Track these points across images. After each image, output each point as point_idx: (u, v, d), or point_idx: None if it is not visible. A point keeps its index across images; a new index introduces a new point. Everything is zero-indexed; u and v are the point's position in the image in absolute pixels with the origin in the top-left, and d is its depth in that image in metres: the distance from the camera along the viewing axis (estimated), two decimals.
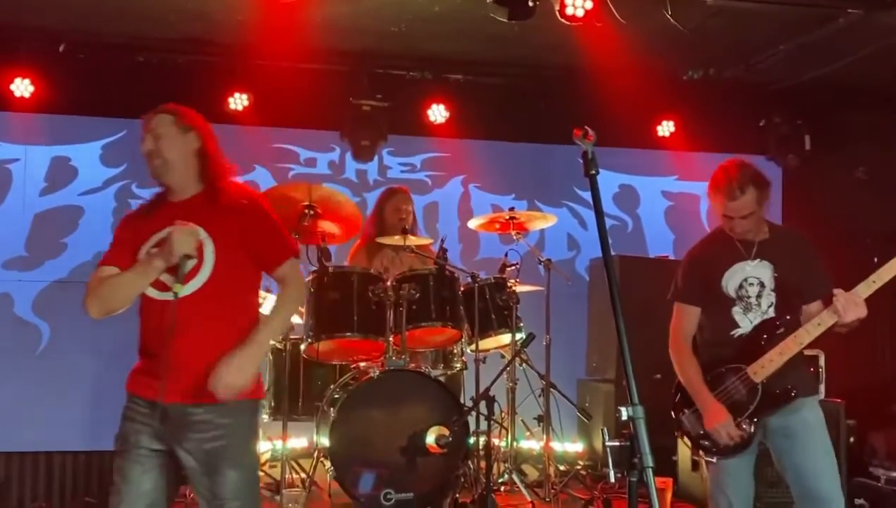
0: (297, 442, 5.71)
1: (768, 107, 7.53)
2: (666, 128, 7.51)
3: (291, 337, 5.19)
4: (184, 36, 6.31)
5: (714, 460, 3.50)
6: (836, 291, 3.28)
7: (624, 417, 2.01)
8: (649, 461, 2.01)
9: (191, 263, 2.89)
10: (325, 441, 4.66)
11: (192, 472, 2.93)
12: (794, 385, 3.43)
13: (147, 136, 3.05)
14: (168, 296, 2.92)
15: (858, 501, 5.40)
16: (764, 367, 3.41)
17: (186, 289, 2.92)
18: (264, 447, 5.66)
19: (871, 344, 7.03)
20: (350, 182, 7.36)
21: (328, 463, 4.63)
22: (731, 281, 3.53)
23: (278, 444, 5.15)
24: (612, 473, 2.07)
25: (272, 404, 5.37)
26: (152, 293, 2.97)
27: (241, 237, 3.01)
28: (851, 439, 5.33)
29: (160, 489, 2.94)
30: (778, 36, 6.26)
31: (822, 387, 5.45)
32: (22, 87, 6.45)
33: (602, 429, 2.10)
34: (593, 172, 2.27)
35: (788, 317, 3.45)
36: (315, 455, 4.97)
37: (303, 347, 4.97)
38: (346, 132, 7.24)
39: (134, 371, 3.04)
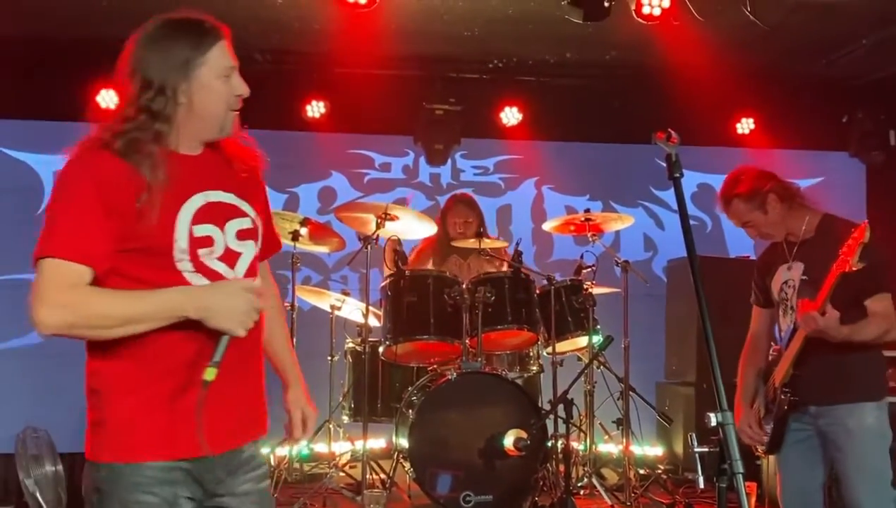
0: (376, 443, 5.78)
1: (851, 102, 7.35)
2: (745, 126, 7.38)
3: (370, 339, 5.25)
4: (263, 45, 6.45)
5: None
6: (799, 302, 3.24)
7: (713, 423, 1.98)
8: (740, 467, 1.97)
9: (225, 340, 2.03)
10: (404, 443, 4.71)
11: None
12: (804, 392, 3.28)
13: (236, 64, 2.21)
14: None
15: None
16: (780, 372, 3.34)
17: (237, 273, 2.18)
18: (344, 447, 5.76)
19: None
20: (424, 186, 7.42)
21: (408, 465, 4.68)
22: (775, 284, 3.49)
23: (359, 445, 5.21)
24: (700, 479, 2.05)
25: (352, 405, 5.45)
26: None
27: (265, 211, 2.33)
28: None
29: None
30: (859, 30, 6.12)
31: None
32: (107, 99, 6.67)
33: (690, 435, 2.07)
34: (677, 175, 2.24)
35: None
36: (394, 456, 5.02)
37: (381, 349, 5.03)
38: (420, 136, 7.32)
39: (142, 428, 2.04)
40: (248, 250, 2.19)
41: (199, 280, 2.08)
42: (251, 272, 2.19)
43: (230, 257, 2.14)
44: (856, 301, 3.21)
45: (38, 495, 4.95)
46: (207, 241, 2.11)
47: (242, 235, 2.18)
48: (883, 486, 3.25)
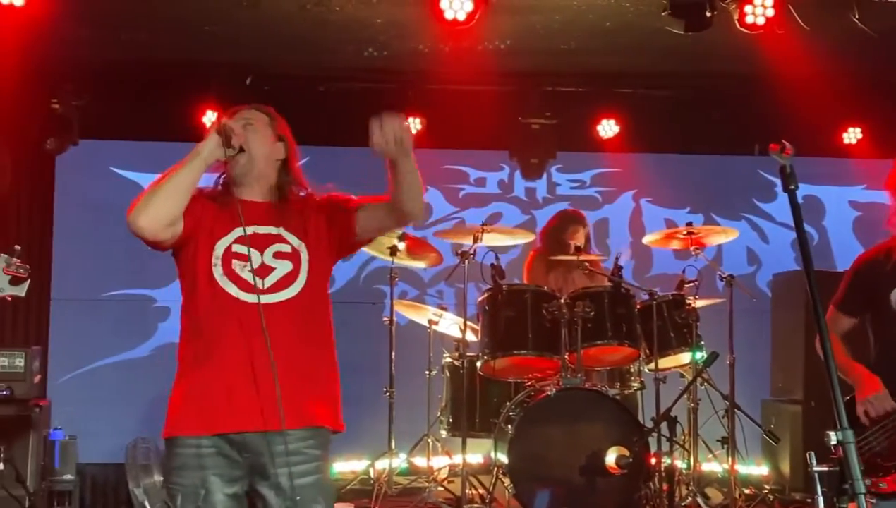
0: (473, 458, 5.78)
1: None
2: (853, 135, 7.13)
3: (468, 354, 5.26)
4: (361, 65, 6.56)
5: (874, 501, 3.11)
6: None
7: (833, 441, 1.92)
8: (862, 487, 1.91)
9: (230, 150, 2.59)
10: (503, 458, 4.70)
11: None
12: None
13: (236, 120, 2.73)
14: (252, 298, 2.53)
15: None
16: None
17: (279, 296, 2.58)
18: (442, 462, 5.77)
19: None
20: (519, 200, 7.41)
21: (507, 480, 4.66)
22: None
23: (457, 459, 5.22)
24: (821, 500, 1.98)
25: (450, 420, 5.46)
26: (232, 290, 2.55)
27: (328, 230, 2.71)
28: None
29: None
30: None
31: None
32: (212, 120, 6.89)
33: (809, 454, 2.00)
34: (793, 187, 2.20)
35: None
36: (494, 471, 5.01)
37: (479, 364, 5.03)
38: (515, 151, 7.31)
39: (181, 406, 2.54)
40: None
41: (230, 284, 2.57)
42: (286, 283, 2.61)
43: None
44: None
45: (146, 503, 5.13)
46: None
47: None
48: None
